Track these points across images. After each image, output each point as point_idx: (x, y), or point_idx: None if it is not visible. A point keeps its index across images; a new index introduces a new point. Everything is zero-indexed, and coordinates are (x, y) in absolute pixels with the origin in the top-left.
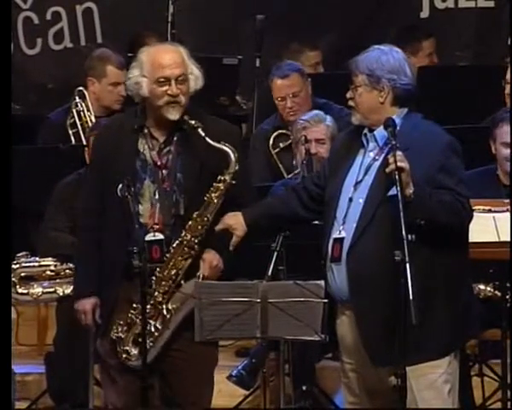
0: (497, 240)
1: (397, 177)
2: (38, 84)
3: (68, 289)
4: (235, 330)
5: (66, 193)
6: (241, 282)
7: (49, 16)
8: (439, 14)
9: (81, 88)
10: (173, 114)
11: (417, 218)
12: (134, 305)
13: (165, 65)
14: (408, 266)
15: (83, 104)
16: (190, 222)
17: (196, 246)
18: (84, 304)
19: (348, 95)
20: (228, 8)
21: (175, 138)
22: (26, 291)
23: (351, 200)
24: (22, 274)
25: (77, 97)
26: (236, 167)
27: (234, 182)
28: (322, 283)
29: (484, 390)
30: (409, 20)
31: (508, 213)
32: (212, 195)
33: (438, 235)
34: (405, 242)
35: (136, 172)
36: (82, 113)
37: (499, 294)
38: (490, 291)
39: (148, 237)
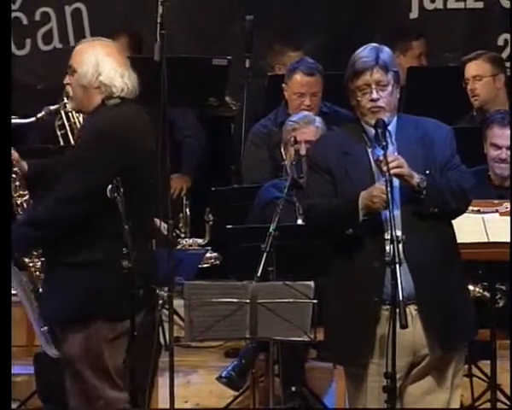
0: (487, 240)
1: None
2: (27, 84)
3: None
4: (225, 331)
5: None
6: (231, 283)
7: (37, 17)
8: (429, 15)
9: None
10: None
11: (431, 207)
12: None
13: None
14: (398, 266)
15: None
16: None
17: None
18: None
19: (375, 95)
20: (217, 9)
21: None
22: (14, 292)
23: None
24: None
25: (65, 98)
26: None
27: None
28: (311, 283)
29: (473, 391)
30: (398, 20)
31: (497, 214)
32: None
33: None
34: (395, 242)
35: None
36: (70, 113)
37: (488, 294)
38: (479, 292)
39: None
